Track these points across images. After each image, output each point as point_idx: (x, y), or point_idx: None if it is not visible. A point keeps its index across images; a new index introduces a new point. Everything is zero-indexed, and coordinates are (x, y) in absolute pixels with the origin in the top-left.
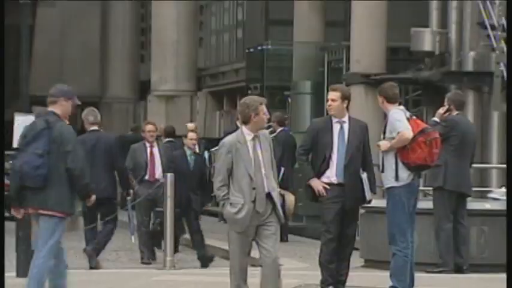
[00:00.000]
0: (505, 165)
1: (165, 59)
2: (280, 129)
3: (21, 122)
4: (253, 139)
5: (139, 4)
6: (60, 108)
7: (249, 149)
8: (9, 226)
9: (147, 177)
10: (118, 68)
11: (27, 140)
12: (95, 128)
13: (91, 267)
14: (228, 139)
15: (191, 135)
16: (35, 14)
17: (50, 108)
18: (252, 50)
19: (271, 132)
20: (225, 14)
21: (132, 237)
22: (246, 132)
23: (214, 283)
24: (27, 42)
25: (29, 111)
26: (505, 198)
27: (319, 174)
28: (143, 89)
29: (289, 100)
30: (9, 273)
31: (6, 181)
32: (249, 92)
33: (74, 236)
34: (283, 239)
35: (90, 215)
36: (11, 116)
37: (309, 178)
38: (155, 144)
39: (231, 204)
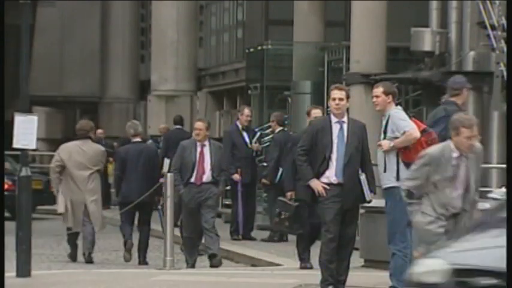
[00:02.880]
0: (505, 165)
1: (165, 59)
2: (279, 128)
3: (21, 122)
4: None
5: (140, 4)
6: (461, 98)
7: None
8: (9, 226)
9: (192, 179)
10: (118, 68)
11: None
12: (138, 139)
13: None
14: (432, 151)
15: None
16: (35, 14)
17: (453, 99)
18: (252, 50)
19: (271, 132)
20: (225, 14)
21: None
22: (452, 148)
23: (215, 283)
24: (27, 42)
25: (29, 111)
26: (505, 198)
27: (318, 175)
28: (143, 89)
29: (289, 100)
30: (9, 273)
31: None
32: (249, 92)
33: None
34: (283, 239)
35: (128, 215)
36: (11, 116)
37: (308, 179)
38: (206, 143)
39: (423, 214)
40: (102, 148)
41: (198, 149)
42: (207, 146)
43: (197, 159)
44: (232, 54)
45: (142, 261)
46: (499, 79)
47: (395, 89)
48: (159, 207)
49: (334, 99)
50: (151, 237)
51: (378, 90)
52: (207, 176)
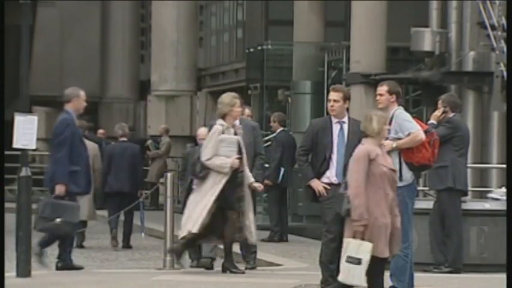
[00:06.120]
0: (505, 165)
1: (165, 59)
2: (280, 129)
3: (21, 122)
4: None
5: (140, 4)
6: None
7: None
8: (9, 226)
9: None
10: (118, 68)
11: None
12: (124, 139)
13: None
14: None
15: None
16: (35, 14)
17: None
18: (252, 50)
19: (271, 132)
20: (225, 14)
21: (142, 234)
22: None
23: (215, 283)
24: (27, 42)
25: (29, 111)
26: (505, 198)
27: (319, 175)
28: (143, 89)
29: (289, 100)
30: (9, 273)
31: None
32: (249, 92)
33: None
34: (283, 239)
35: (113, 205)
36: (11, 116)
37: (309, 179)
38: None
39: None
40: (96, 146)
41: None
42: None
43: None
44: (232, 54)
45: (126, 244)
46: (499, 79)
47: (400, 89)
48: (141, 199)
49: (329, 100)
50: (151, 237)
51: (382, 88)
52: None
